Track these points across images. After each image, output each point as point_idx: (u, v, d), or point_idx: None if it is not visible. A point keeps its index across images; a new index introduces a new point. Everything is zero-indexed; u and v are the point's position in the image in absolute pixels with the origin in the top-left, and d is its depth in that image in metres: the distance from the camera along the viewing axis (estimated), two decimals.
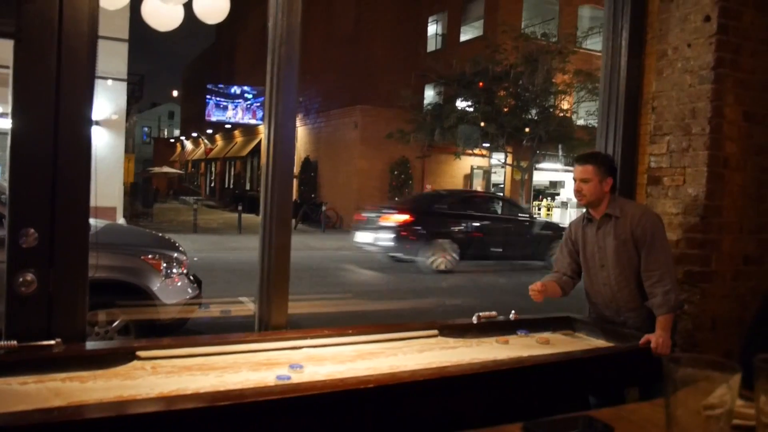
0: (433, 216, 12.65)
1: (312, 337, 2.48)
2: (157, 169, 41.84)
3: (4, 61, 2.24)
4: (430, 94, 25.98)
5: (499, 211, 14.34)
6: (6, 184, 2.14)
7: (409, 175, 23.44)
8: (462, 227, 12.62)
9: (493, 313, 2.95)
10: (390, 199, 22.94)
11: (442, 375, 2.06)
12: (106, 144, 14.18)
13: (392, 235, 12.24)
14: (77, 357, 2.04)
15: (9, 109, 2.08)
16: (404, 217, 12.37)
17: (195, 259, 8.48)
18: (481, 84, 19.82)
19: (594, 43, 20.61)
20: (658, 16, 3.48)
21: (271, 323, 2.65)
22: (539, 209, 28.06)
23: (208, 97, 28.64)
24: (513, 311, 3.02)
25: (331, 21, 27.22)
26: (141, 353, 2.15)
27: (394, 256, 12.97)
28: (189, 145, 49.49)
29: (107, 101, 14.20)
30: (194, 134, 45.82)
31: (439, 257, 12.07)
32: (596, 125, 3.89)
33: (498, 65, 19.57)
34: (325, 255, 14.39)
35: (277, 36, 2.67)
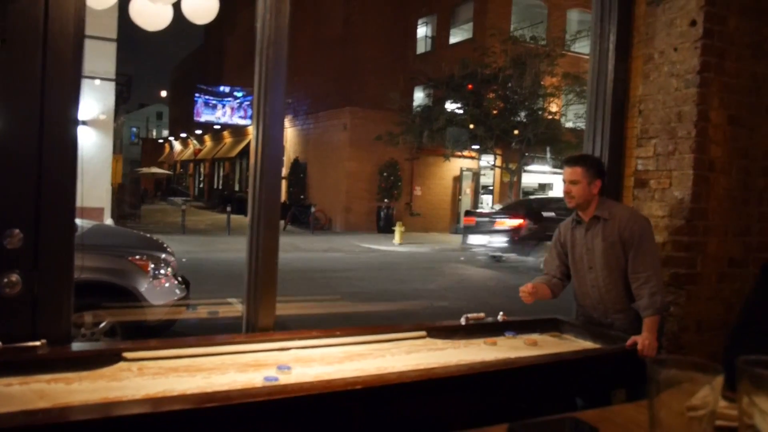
0: (543, 220, 13.55)
1: (300, 339, 2.48)
2: (145, 170, 41.62)
3: None
4: (419, 97, 26.02)
5: None
6: None
7: (398, 177, 23.46)
8: None
9: (482, 314, 2.95)
10: (378, 200, 22.95)
11: (429, 376, 2.07)
12: (93, 144, 14.08)
13: (507, 238, 13.80)
14: (62, 358, 2.02)
15: None
16: (518, 222, 13.78)
17: (183, 260, 8.45)
18: (470, 86, 19.87)
19: (582, 47, 20.71)
20: (644, 20, 3.51)
21: (258, 324, 2.64)
22: None
23: (196, 97, 28.51)
24: (501, 313, 3.03)
25: (319, 23, 27.20)
26: (127, 354, 2.14)
27: (495, 256, 14.68)
28: (177, 145, 49.25)
29: (95, 101, 14.11)
30: (183, 135, 45.62)
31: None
32: (584, 128, 3.92)
33: (487, 68, 19.63)
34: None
35: (266, 37, 2.66)
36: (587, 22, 19.39)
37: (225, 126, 32.01)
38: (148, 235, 6.40)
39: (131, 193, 24.59)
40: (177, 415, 1.60)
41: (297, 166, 26.64)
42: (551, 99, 20.53)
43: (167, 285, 5.21)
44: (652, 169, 3.42)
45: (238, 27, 34.02)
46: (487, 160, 22.45)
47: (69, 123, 2.17)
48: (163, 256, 5.35)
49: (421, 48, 28.01)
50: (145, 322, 4.98)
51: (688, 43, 3.24)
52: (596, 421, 1.32)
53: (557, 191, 27.71)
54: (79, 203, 2.22)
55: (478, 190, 25.63)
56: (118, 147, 30.28)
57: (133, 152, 58.32)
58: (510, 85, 19.58)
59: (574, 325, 3.04)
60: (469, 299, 9.47)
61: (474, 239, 14.96)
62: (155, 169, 42.75)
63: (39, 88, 2.10)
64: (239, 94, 28.67)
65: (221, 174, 39.45)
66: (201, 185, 44.20)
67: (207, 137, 40.83)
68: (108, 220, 14.45)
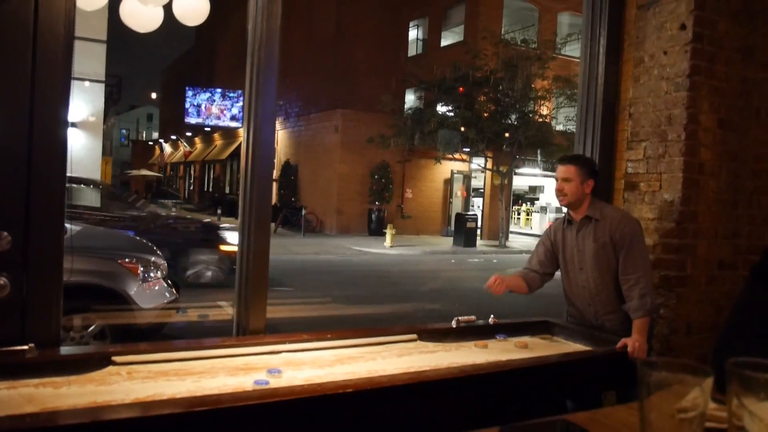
0: None
1: (291, 342, 2.47)
2: (135, 172, 41.44)
3: None
4: (410, 99, 26.05)
5: None
6: None
7: (389, 179, 23.45)
8: None
9: (472, 317, 2.96)
10: (370, 203, 22.93)
11: (420, 379, 2.06)
12: (83, 146, 13.99)
13: None
14: (51, 362, 2.00)
15: None
16: None
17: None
18: (461, 89, 19.90)
19: (573, 50, 20.80)
20: (635, 23, 3.53)
21: (249, 328, 2.63)
22: (518, 214, 28.23)
23: (187, 99, 28.42)
24: (492, 315, 3.03)
25: (311, 25, 27.19)
26: (117, 358, 2.12)
27: None
28: (168, 147, 49.06)
29: (84, 103, 14.02)
30: (173, 137, 45.44)
31: None
32: (575, 131, 3.93)
33: (478, 71, 19.68)
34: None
35: (257, 39, 2.66)
36: (578, 26, 19.48)
37: (216, 128, 31.92)
38: (138, 238, 6.36)
39: (121, 194, 24.43)
40: (167, 419, 1.59)
41: (288, 168, 26.59)
42: (542, 102, 20.60)
43: (157, 288, 5.18)
44: (642, 171, 3.43)
45: (229, 29, 33.94)
46: (478, 162, 22.49)
47: (58, 125, 2.15)
48: (153, 258, 5.32)
49: (412, 50, 28.05)
50: (135, 325, 4.96)
51: (678, 46, 3.26)
52: (587, 423, 1.32)
53: (548, 194, 27.85)
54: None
55: (469, 192, 25.68)
56: (108, 149, 30.16)
57: (123, 154, 58.05)
58: (501, 87, 19.63)
59: (565, 328, 3.05)
60: (460, 302, 9.48)
61: None
62: (145, 172, 42.57)
63: (28, 90, 2.08)
64: (229, 99, 28.60)
65: (212, 176, 39.32)
66: (191, 187, 44.02)
67: (197, 139, 40.70)
68: None
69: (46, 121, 2.11)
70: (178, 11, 3.03)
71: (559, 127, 21.45)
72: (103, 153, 17.72)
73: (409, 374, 2.13)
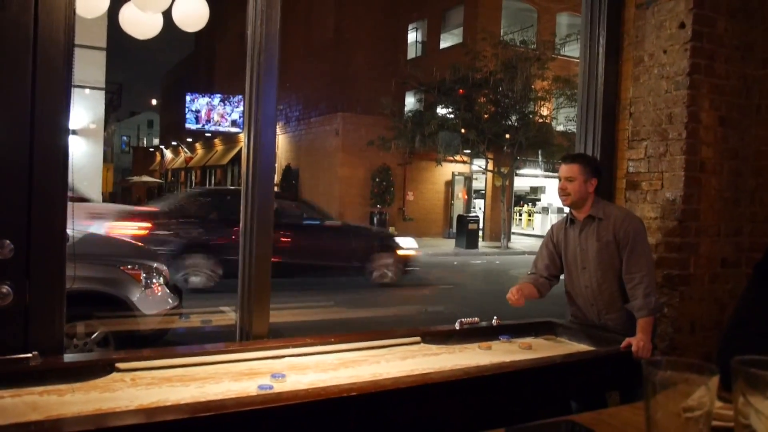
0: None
1: (294, 346, 2.47)
2: (136, 179, 41.43)
3: None
4: (410, 101, 26.06)
5: None
6: None
7: (390, 182, 23.46)
8: None
9: (476, 319, 2.95)
10: (371, 206, 22.94)
11: (424, 382, 2.06)
12: (84, 153, 14.02)
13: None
14: (55, 370, 2.00)
15: None
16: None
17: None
18: (461, 91, 19.91)
19: (572, 50, 20.82)
20: (634, 23, 3.53)
21: (252, 332, 2.63)
22: (520, 215, 28.20)
23: (187, 105, 28.46)
24: (495, 317, 3.03)
25: (310, 29, 27.22)
26: (120, 365, 2.12)
27: None
28: (168, 153, 49.11)
29: (85, 110, 14.05)
30: (174, 143, 45.49)
31: None
32: (575, 131, 3.93)
33: (478, 72, 19.69)
34: None
35: (256, 44, 2.66)
36: (577, 26, 19.49)
37: (216, 133, 31.96)
38: (140, 244, 6.37)
39: (122, 202, 24.51)
40: (171, 425, 1.59)
41: (289, 172, 26.61)
42: (542, 102, 20.60)
43: (160, 294, 5.18)
44: (643, 171, 3.43)
45: (228, 34, 34.00)
46: (479, 164, 22.49)
47: (59, 132, 2.15)
48: (156, 265, 5.32)
49: (411, 53, 28.08)
50: (138, 331, 4.96)
51: (678, 45, 3.26)
52: (592, 423, 1.32)
53: (549, 194, 27.83)
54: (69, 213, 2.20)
55: (471, 194, 25.68)
56: (109, 156, 30.21)
57: (124, 161, 58.15)
58: (501, 89, 19.64)
59: (569, 328, 3.05)
60: (463, 304, 9.48)
61: None
62: (146, 178, 42.57)
63: (29, 98, 2.09)
64: (231, 101, 28.64)
65: (213, 182, 39.34)
66: None
67: (198, 145, 40.74)
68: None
69: (47, 128, 2.12)
70: (177, 17, 3.04)
71: (560, 128, 21.45)
72: (104, 160, 17.76)
73: (413, 377, 2.13)
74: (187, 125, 28.83)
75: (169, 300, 5.25)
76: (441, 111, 21.16)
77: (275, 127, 2.79)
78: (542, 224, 25.52)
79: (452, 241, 21.11)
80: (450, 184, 25.31)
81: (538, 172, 24.01)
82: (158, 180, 46.40)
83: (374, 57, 26.00)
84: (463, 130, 19.83)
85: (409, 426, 2.02)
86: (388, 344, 2.66)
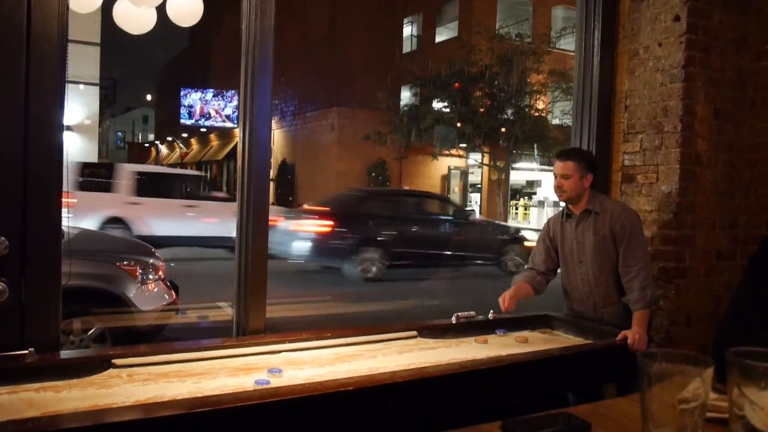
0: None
1: (291, 341, 2.47)
2: None
3: None
4: (406, 96, 26.05)
5: None
6: None
7: (386, 176, 23.48)
8: None
9: (472, 313, 2.96)
10: None
11: (421, 376, 2.06)
12: (78, 149, 13.97)
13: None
14: (51, 366, 2.00)
15: None
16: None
17: (172, 264, 8.38)
18: (456, 85, 19.93)
19: (568, 43, 20.82)
20: (629, 15, 3.53)
21: (249, 328, 2.63)
22: (516, 208, 28.21)
23: (182, 100, 28.37)
24: (491, 311, 3.03)
25: (305, 23, 27.15)
26: (117, 361, 2.12)
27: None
28: (164, 149, 48.96)
29: (79, 106, 14.01)
30: (169, 138, 45.36)
31: None
32: (571, 124, 3.93)
33: (473, 66, 19.69)
34: None
35: (251, 39, 2.65)
36: (572, 19, 19.48)
37: (211, 128, 31.89)
38: (136, 240, 6.35)
39: None
40: (168, 421, 1.59)
41: (285, 167, 26.60)
42: (538, 96, 20.61)
43: (156, 290, 5.17)
44: (639, 164, 3.44)
45: (223, 28, 33.87)
46: (475, 158, 22.52)
47: (54, 128, 2.15)
48: (152, 260, 5.31)
49: (407, 47, 28.04)
50: (135, 327, 4.95)
51: (673, 38, 3.26)
52: (589, 416, 1.32)
53: (545, 188, 27.86)
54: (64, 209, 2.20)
55: (467, 188, 25.69)
56: (104, 152, 30.11)
57: (119, 156, 57.86)
58: (496, 82, 19.64)
59: (565, 321, 3.05)
60: (460, 297, 9.49)
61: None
62: None
63: (23, 94, 2.08)
64: (226, 96, 28.56)
65: (209, 177, 39.28)
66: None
67: (193, 140, 40.65)
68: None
69: (41, 124, 2.11)
70: (171, 12, 3.02)
71: (556, 121, 21.48)
72: (99, 156, 17.70)
73: (410, 371, 2.13)
74: (182, 121, 28.74)
75: (166, 296, 5.24)
76: (437, 105, 21.17)
77: (270, 122, 2.79)
78: (538, 218, 25.53)
79: None
80: (446, 179, 25.33)
81: (534, 165, 24.03)
82: None
83: (369, 51, 25.95)
84: (459, 124, 19.83)
85: (406, 420, 2.02)
86: (385, 338, 2.67)
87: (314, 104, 25.95)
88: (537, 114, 20.54)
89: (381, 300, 9.10)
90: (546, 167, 23.10)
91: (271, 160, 23.72)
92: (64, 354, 2.21)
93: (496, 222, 16.54)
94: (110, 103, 23.58)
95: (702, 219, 3.32)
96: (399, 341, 2.68)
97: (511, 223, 26.57)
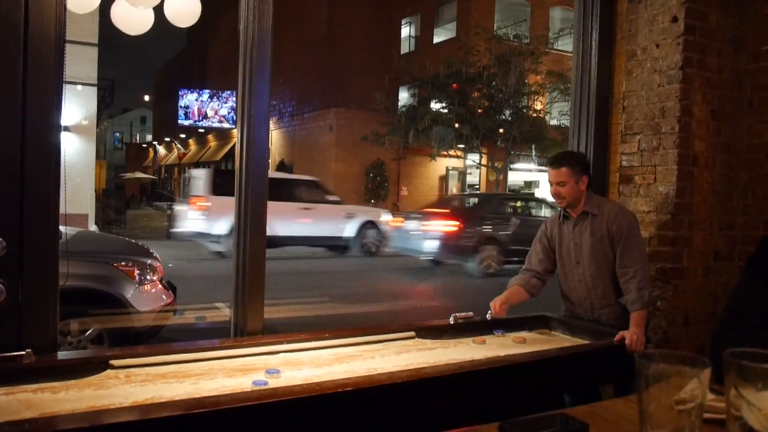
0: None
1: (289, 342, 2.47)
2: (129, 175, 41.31)
3: None
4: (404, 97, 26.06)
5: None
6: None
7: (384, 177, 23.49)
8: None
9: (470, 313, 2.95)
10: (366, 201, 22.94)
11: (419, 377, 2.06)
12: (76, 150, 13.93)
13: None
14: (49, 367, 2.00)
15: None
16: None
17: (169, 265, 8.39)
18: (454, 86, 19.94)
19: (565, 44, 20.83)
20: (627, 17, 3.53)
21: (246, 329, 2.63)
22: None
23: (180, 101, 28.33)
24: (489, 311, 3.03)
25: (303, 24, 27.14)
26: (114, 362, 2.12)
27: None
28: (162, 150, 48.93)
29: (77, 107, 13.96)
30: (167, 139, 45.33)
31: None
32: (568, 125, 3.94)
33: (471, 67, 19.70)
34: None
35: (249, 39, 2.65)
36: (570, 20, 19.50)
37: (209, 129, 31.87)
38: (134, 241, 6.35)
39: (116, 198, 24.44)
40: (166, 422, 1.59)
41: (283, 168, 26.57)
42: (536, 97, 20.63)
43: (154, 291, 5.17)
44: (636, 164, 3.44)
45: (221, 29, 33.86)
46: (473, 159, 22.54)
47: (51, 129, 2.14)
48: (149, 261, 5.30)
49: (405, 48, 28.06)
50: (132, 328, 4.94)
51: (670, 39, 3.27)
52: (586, 416, 1.32)
53: (543, 188, 27.85)
54: (62, 210, 2.19)
55: (465, 189, 25.70)
56: (102, 152, 30.10)
57: (117, 157, 57.92)
58: (494, 83, 19.66)
59: (563, 322, 3.06)
60: (458, 298, 9.49)
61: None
62: (139, 174, 42.43)
63: (20, 95, 2.07)
64: (222, 99, 28.53)
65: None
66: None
67: (191, 141, 40.64)
68: (92, 227, 14.32)
69: (38, 125, 2.10)
70: (169, 13, 3.02)
71: (553, 122, 21.50)
72: (97, 157, 17.67)
73: (408, 371, 2.13)
74: (180, 121, 28.71)
75: (163, 297, 5.23)
76: (435, 106, 21.18)
77: (268, 123, 2.78)
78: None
79: None
80: (444, 179, 25.35)
81: (532, 166, 24.04)
82: (152, 176, 46.26)
83: (367, 52, 25.96)
84: (456, 125, 19.85)
85: (404, 420, 2.02)
86: (383, 339, 2.67)
87: (312, 105, 25.94)
88: (535, 115, 20.56)
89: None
90: (544, 168, 23.11)
91: (269, 160, 23.71)
92: (62, 355, 2.21)
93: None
94: (108, 104, 23.51)
95: (699, 220, 3.32)
96: (397, 342, 2.68)
97: None
